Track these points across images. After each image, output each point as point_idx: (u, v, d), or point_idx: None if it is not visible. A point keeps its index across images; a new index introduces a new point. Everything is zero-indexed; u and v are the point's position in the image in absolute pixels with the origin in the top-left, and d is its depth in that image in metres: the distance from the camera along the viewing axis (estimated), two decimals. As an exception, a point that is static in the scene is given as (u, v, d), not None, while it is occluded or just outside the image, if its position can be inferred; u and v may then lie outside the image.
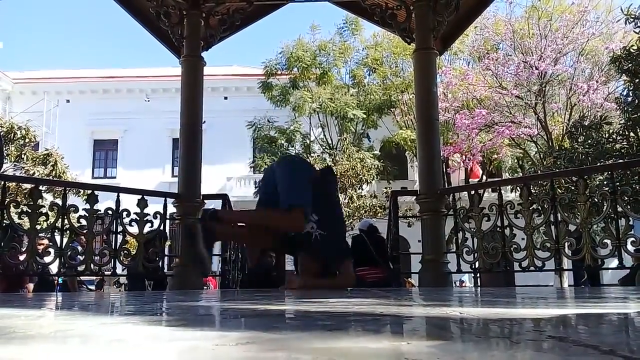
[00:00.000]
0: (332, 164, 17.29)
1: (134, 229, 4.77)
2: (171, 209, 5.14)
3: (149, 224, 4.79)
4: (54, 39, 63.99)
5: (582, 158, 9.41)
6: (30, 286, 6.16)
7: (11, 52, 49.61)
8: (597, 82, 14.88)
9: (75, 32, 64.82)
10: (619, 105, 10.38)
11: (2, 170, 4.29)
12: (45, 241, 4.47)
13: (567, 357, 0.80)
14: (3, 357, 0.81)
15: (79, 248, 5.14)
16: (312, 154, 19.70)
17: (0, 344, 0.97)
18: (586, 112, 14.40)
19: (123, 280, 8.35)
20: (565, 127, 14.37)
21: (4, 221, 4.09)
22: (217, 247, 4.83)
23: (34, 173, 13.45)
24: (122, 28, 68.42)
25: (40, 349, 0.93)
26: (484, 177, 19.39)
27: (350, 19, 20.23)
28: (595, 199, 4.57)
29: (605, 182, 7.46)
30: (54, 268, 4.64)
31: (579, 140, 10.35)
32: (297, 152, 20.32)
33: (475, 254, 4.75)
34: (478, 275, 8.16)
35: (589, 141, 9.83)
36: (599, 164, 8.31)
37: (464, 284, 14.39)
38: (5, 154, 10.73)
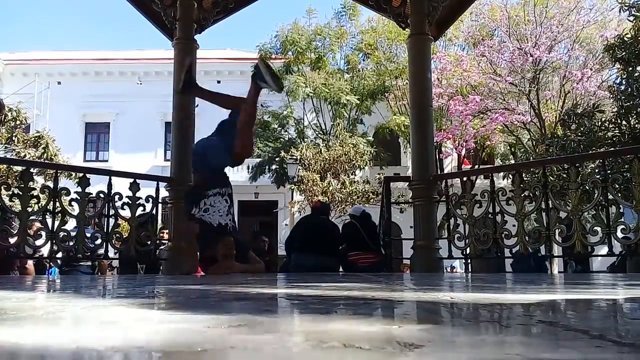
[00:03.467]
0: (326, 149, 17.27)
1: (126, 213, 4.75)
2: (163, 192, 5.13)
3: (141, 208, 4.77)
4: (45, 20, 63.16)
5: (574, 146, 9.43)
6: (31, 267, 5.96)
7: (1, 33, 48.98)
8: (590, 70, 14.88)
9: (67, 13, 63.96)
10: (612, 94, 10.39)
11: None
12: (38, 224, 4.45)
13: (557, 341, 0.81)
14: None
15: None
16: (306, 139, 19.64)
17: (-8, 325, 0.97)
18: (579, 100, 14.41)
19: (115, 263, 8.31)
20: (558, 115, 14.37)
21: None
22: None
23: (25, 155, 13.32)
24: (115, 9, 67.61)
25: (33, 330, 0.93)
26: (477, 160, 19.41)
27: (349, 3, 20.07)
28: (587, 187, 4.60)
29: (596, 170, 7.48)
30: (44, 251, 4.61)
31: (572, 128, 10.36)
32: (290, 136, 20.25)
33: (467, 240, 4.78)
34: (469, 261, 8.22)
35: (582, 129, 9.84)
36: (590, 152, 8.35)
37: (454, 270, 14.48)
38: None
